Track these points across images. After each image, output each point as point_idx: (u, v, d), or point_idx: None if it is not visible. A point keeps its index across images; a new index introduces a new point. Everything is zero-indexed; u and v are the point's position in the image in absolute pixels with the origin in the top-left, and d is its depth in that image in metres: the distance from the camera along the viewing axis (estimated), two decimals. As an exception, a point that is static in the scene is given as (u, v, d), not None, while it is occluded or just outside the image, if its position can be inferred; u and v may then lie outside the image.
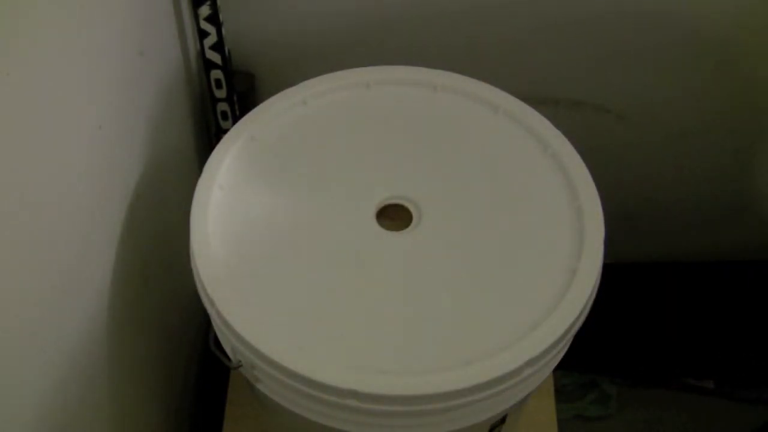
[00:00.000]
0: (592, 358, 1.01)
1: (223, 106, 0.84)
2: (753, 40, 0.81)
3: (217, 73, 0.80)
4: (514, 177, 0.61)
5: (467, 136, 0.64)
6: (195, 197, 0.58)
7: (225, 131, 0.69)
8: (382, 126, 0.63)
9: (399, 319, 0.53)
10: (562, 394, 1.05)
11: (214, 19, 0.76)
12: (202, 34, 0.77)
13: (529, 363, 0.51)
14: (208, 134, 0.91)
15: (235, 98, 0.84)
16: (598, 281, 0.55)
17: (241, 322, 0.51)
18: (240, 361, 0.54)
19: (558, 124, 0.64)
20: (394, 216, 0.59)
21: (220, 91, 0.82)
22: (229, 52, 0.80)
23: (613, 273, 0.64)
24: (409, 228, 0.58)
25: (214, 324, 0.56)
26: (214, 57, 0.79)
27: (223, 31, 0.77)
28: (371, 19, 0.82)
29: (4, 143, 0.43)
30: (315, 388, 0.49)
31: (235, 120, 0.81)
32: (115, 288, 0.63)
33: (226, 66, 0.80)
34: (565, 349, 0.56)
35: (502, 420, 0.60)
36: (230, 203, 0.58)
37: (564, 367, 0.58)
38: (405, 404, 0.49)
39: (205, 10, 0.75)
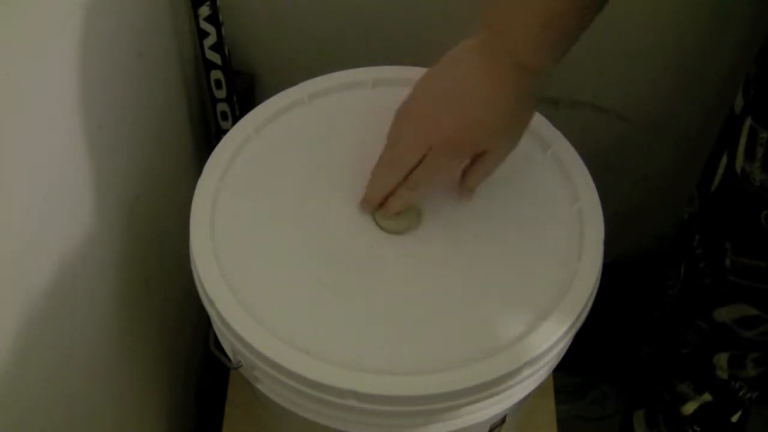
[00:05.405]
0: (592, 359, 1.01)
1: (223, 107, 0.84)
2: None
3: (217, 74, 0.80)
4: (514, 177, 0.61)
5: (467, 136, 0.64)
6: (195, 197, 0.58)
7: (225, 131, 0.69)
8: (384, 126, 0.62)
9: (399, 319, 0.53)
10: (562, 394, 1.05)
11: (213, 19, 0.76)
12: (202, 35, 0.77)
13: (529, 363, 0.51)
14: (208, 134, 0.91)
15: (235, 98, 0.84)
16: (598, 281, 0.55)
17: (241, 322, 0.51)
18: (240, 362, 0.54)
19: (558, 124, 0.64)
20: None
21: (220, 92, 0.82)
22: (229, 52, 0.80)
23: (613, 273, 0.64)
24: (409, 225, 0.58)
25: (214, 324, 0.56)
26: (214, 57, 0.79)
27: (223, 31, 0.77)
28: (372, 18, 0.82)
29: (4, 143, 0.44)
30: (315, 389, 0.49)
31: (235, 120, 0.81)
32: (115, 288, 0.63)
33: (226, 66, 0.80)
34: (565, 350, 0.56)
35: (502, 420, 0.60)
36: (230, 204, 0.58)
37: (564, 367, 0.58)
38: (405, 404, 0.49)
39: (204, 10, 0.75)
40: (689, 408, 0.89)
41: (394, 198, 0.56)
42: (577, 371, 1.10)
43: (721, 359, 0.82)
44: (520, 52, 0.51)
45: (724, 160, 0.70)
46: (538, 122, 0.64)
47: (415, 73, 0.67)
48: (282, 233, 0.57)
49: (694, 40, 0.84)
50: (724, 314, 0.77)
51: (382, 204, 0.57)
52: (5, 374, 0.45)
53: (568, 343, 0.56)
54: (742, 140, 0.67)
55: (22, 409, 0.48)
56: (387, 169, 0.56)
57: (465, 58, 0.54)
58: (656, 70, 0.87)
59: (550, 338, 0.51)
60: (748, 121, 0.66)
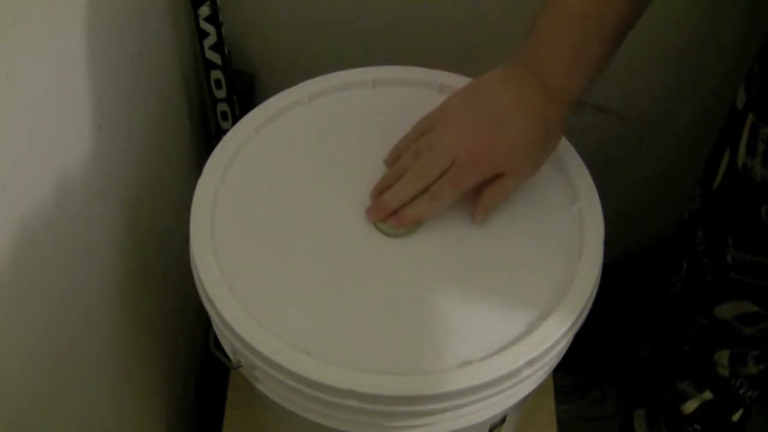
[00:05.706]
0: (592, 359, 1.01)
1: (223, 107, 0.84)
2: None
3: (217, 74, 0.80)
4: (514, 177, 0.61)
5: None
6: (195, 197, 0.58)
7: (225, 131, 0.69)
8: (385, 126, 0.63)
9: (399, 319, 0.53)
10: (562, 394, 1.05)
11: (214, 19, 0.76)
12: (202, 34, 0.77)
13: (529, 363, 0.51)
14: (208, 134, 0.91)
15: (235, 98, 0.84)
16: (598, 281, 0.55)
17: (241, 322, 0.51)
18: (240, 362, 0.54)
19: (558, 124, 0.64)
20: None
21: (220, 92, 0.82)
22: (229, 52, 0.80)
23: (613, 273, 0.64)
24: (409, 229, 0.58)
25: (214, 324, 0.56)
26: (214, 57, 0.79)
27: (223, 31, 0.77)
28: (373, 18, 0.82)
29: (4, 143, 0.44)
30: (315, 389, 0.49)
31: (235, 120, 0.81)
32: (115, 288, 0.63)
33: (226, 66, 0.80)
34: (566, 349, 0.56)
35: (502, 420, 0.60)
36: (230, 204, 0.58)
37: (564, 367, 0.58)
38: (405, 404, 0.49)
39: (204, 10, 0.75)
40: (690, 407, 0.89)
41: (410, 207, 0.56)
42: (577, 371, 1.10)
43: (722, 356, 0.82)
44: (549, 77, 0.53)
45: (727, 156, 0.70)
46: (538, 122, 0.64)
47: (415, 73, 0.67)
48: (282, 233, 0.57)
49: (693, 40, 0.84)
50: (725, 311, 0.77)
51: (393, 213, 0.57)
52: (4, 375, 0.45)
53: (569, 343, 0.56)
54: (744, 136, 0.67)
55: (21, 409, 0.48)
56: (408, 177, 0.56)
57: (495, 84, 0.56)
58: (656, 70, 0.87)
59: (550, 338, 0.51)
60: (750, 117, 0.66)
